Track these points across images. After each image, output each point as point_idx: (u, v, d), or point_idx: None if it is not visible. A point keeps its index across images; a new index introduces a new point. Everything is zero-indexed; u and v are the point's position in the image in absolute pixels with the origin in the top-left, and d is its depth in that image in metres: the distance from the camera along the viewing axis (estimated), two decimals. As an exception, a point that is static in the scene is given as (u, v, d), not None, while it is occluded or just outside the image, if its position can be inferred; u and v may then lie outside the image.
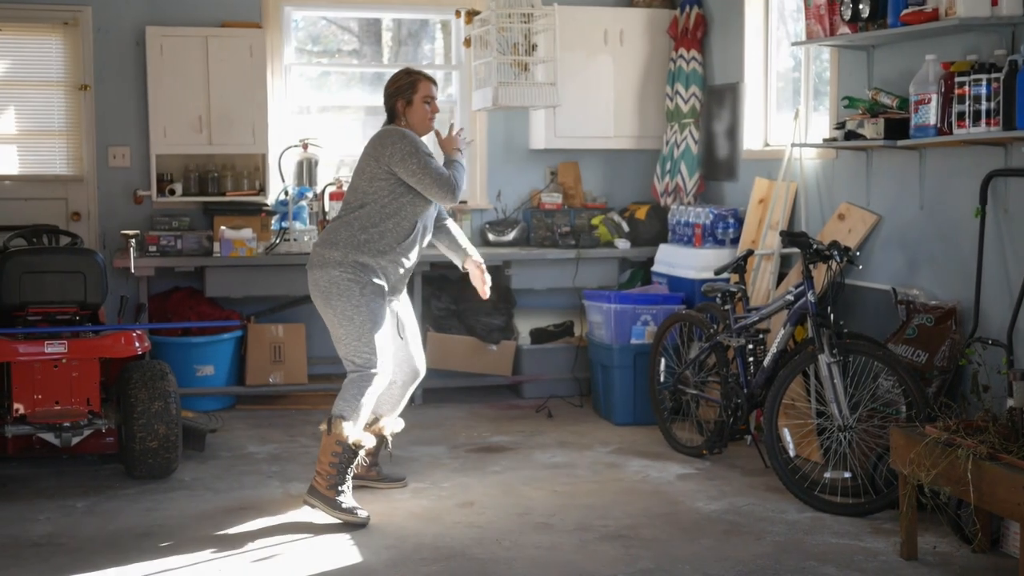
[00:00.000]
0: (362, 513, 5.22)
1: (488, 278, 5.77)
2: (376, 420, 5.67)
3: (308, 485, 5.39)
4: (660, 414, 6.73)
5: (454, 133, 5.64)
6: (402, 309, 5.65)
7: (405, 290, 5.67)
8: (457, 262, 5.86)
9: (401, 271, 5.46)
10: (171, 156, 7.73)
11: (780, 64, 7.52)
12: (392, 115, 5.55)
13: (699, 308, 6.64)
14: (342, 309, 5.29)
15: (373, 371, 5.28)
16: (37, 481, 5.85)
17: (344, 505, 5.21)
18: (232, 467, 6.14)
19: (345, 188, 7.56)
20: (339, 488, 5.24)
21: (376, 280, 5.33)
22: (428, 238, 5.62)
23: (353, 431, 5.25)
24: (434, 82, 5.59)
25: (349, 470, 5.28)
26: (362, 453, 5.34)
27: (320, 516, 5.26)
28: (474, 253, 5.82)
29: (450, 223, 5.83)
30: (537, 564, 4.70)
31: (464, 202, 8.21)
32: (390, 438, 5.74)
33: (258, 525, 5.20)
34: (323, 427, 5.31)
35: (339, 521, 5.19)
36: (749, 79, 7.51)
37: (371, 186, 5.37)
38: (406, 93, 5.50)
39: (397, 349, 5.60)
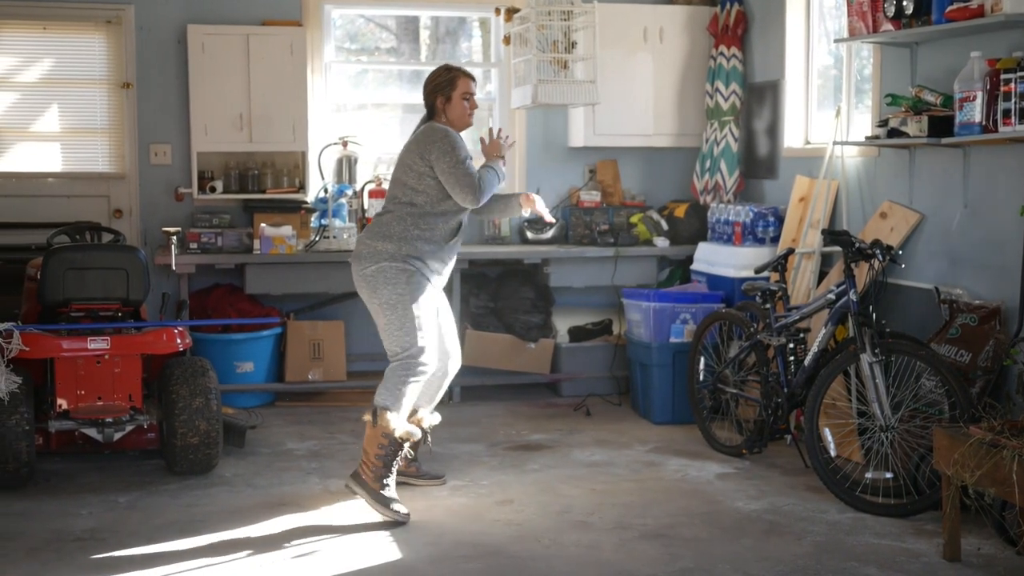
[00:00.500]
0: (403, 510, 5.23)
1: (543, 204, 5.69)
2: (414, 413, 5.68)
3: (353, 470, 5.43)
4: (699, 413, 6.70)
5: (496, 136, 5.65)
6: (441, 304, 5.67)
7: (442, 288, 5.70)
8: (512, 209, 5.77)
9: (445, 269, 5.54)
10: (212, 154, 7.77)
11: (818, 61, 7.47)
12: (431, 111, 5.58)
13: (739, 307, 6.60)
14: (387, 297, 5.32)
15: (416, 359, 5.30)
16: (80, 476, 5.90)
17: (388, 500, 5.23)
18: (272, 463, 6.16)
19: (385, 186, 7.60)
20: (384, 482, 5.27)
21: (425, 272, 5.38)
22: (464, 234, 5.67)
23: (399, 423, 5.28)
24: (473, 79, 5.62)
25: (395, 462, 5.31)
26: (407, 446, 5.36)
27: (359, 509, 5.29)
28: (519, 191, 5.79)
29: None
30: (577, 562, 4.70)
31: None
32: (429, 433, 5.76)
33: (298, 521, 5.22)
34: (367, 418, 5.33)
35: (379, 515, 5.20)
36: (790, 76, 7.46)
37: (420, 183, 5.39)
38: (445, 90, 5.53)
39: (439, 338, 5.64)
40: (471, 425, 7.05)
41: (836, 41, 6.73)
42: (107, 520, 5.20)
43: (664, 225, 8.04)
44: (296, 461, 6.22)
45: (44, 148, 7.83)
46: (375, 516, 5.23)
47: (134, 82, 7.77)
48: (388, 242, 5.37)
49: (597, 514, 5.31)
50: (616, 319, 8.05)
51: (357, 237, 6.37)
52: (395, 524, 5.16)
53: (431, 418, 5.76)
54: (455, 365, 5.77)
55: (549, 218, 5.78)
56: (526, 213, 5.74)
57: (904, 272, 6.09)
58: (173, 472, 5.90)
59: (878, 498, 5.35)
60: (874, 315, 5.51)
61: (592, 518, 5.26)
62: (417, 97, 5.83)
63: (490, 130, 5.75)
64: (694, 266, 7.73)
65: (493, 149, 5.62)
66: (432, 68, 5.72)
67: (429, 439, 5.80)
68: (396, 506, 5.23)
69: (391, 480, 5.30)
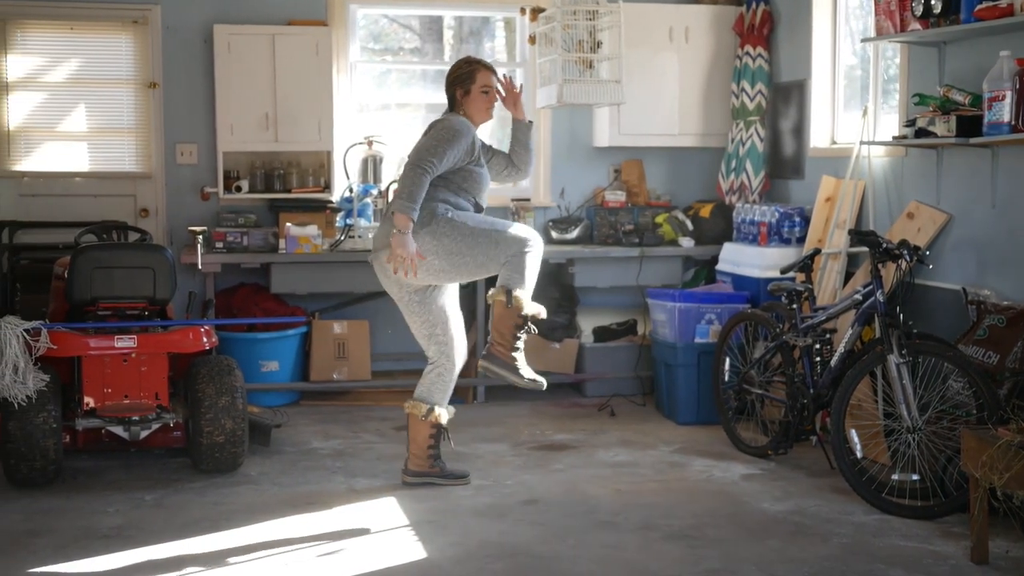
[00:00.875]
0: (541, 378, 5.55)
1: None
2: (431, 409, 5.67)
3: (485, 351, 5.60)
4: (724, 414, 6.68)
5: (511, 86, 5.71)
6: (452, 298, 5.77)
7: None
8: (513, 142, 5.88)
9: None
10: (238, 153, 7.80)
11: (842, 61, 7.44)
12: (451, 103, 5.66)
13: (764, 307, 6.58)
14: (462, 240, 5.40)
15: (527, 243, 5.45)
16: (106, 474, 5.93)
17: (523, 369, 5.52)
18: (297, 462, 6.18)
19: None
20: (518, 355, 5.52)
21: (451, 206, 5.46)
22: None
23: (530, 302, 5.48)
24: (494, 71, 5.67)
25: (523, 337, 5.53)
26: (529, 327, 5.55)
27: (385, 508, 5.29)
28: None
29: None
30: (602, 563, 4.69)
31: (527, 199, 8.21)
32: (448, 431, 5.78)
33: (323, 520, 5.23)
34: (500, 297, 5.47)
35: (518, 383, 5.51)
36: (816, 76, 7.43)
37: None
38: (464, 82, 5.60)
39: (449, 338, 5.69)
40: (496, 425, 7.05)
41: (863, 40, 6.70)
42: (133, 517, 5.22)
43: (689, 225, 8.02)
44: (321, 460, 6.23)
45: (71, 148, 7.87)
46: (402, 517, 5.23)
47: (160, 82, 7.80)
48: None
49: (622, 514, 5.30)
50: (641, 319, 8.03)
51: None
52: (536, 388, 5.55)
53: (448, 413, 5.74)
54: (463, 358, 5.81)
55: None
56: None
57: (931, 273, 6.06)
58: (199, 470, 5.92)
59: (904, 500, 5.32)
60: (901, 316, 5.48)
61: (617, 518, 5.25)
62: (441, 97, 5.83)
63: (505, 78, 5.77)
64: (719, 266, 7.71)
65: (512, 102, 5.71)
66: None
67: (450, 437, 5.83)
68: (531, 374, 5.52)
69: (520, 354, 5.53)
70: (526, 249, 5.47)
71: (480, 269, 5.53)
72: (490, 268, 5.53)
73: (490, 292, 5.58)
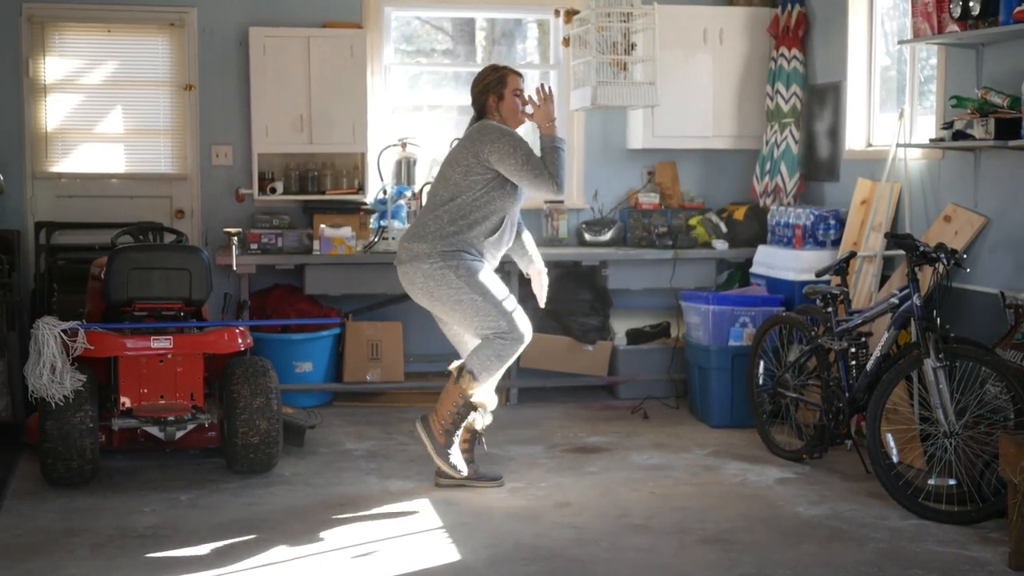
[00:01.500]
0: (461, 466, 5.45)
1: (545, 288, 5.91)
2: (473, 376, 5.56)
3: (423, 415, 5.58)
4: (759, 417, 6.65)
5: (542, 95, 5.59)
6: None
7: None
8: (522, 267, 6.00)
9: (493, 255, 5.59)
10: (272, 155, 7.83)
11: (877, 63, 7.39)
12: (482, 112, 5.64)
13: (799, 310, 6.55)
14: (447, 297, 5.38)
15: (510, 336, 5.37)
16: (142, 473, 5.96)
17: (448, 453, 5.44)
18: (331, 463, 6.20)
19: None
20: (450, 438, 5.45)
21: (469, 255, 5.42)
22: (513, 237, 5.70)
23: (479, 392, 5.41)
24: (520, 75, 5.70)
25: (461, 424, 5.47)
26: (481, 413, 5.53)
27: (419, 510, 5.31)
28: (538, 261, 5.93)
29: (524, 232, 5.91)
30: (636, 566, 4.68)
31: (560, 202, 8.20)
32: (483, 435, 5.79)
33: (357, 521, 5.25)
34: (452, 369, 5.45)
35: (438, 463, 5.44)
36: (852, 78, 7.39)
37: (465, 180, 5.44)
38: (496, 88, 5.60)
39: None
40: (528, 427, 7.05)
41: (900, 43, 6.65)
42: (169, 517, 5.25)
43: (723, 227, 7.99)
44: (355, 461, 6.25)
45: (108, 149, 7.93)
46: (436, 519, 5.24)
47: (196, 84, 7.85)
48: (423, 242, 5.42)
49: (656, 518, 5.29)
50: (674, 322, 8.01)
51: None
52: (451, 478, 5.41)
53: (485, 418, 5.74)
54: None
55: (541, 301, 5.97)
56: (526, 274, 5.98)
57: (968, 276, 6.01)
58: (233, 471, 5.94)
59: (941, 505, 5.28)
60: (938, 320, 5.44)
61: (651, 522, 5.23)
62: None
63: (538, 88, 5.64)
64: (753, 269, 7.68)
65: (543, 115, 5.57)
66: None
67: (484, 441, 5.84)
68: (455, 460, 5.43)
69: (455, 439, 5.46)
70: (502, 335, 5.37)
71: (458, 327, 5.55)
72: (466, 332, 5.52)
73: (452, 363, 5.56)
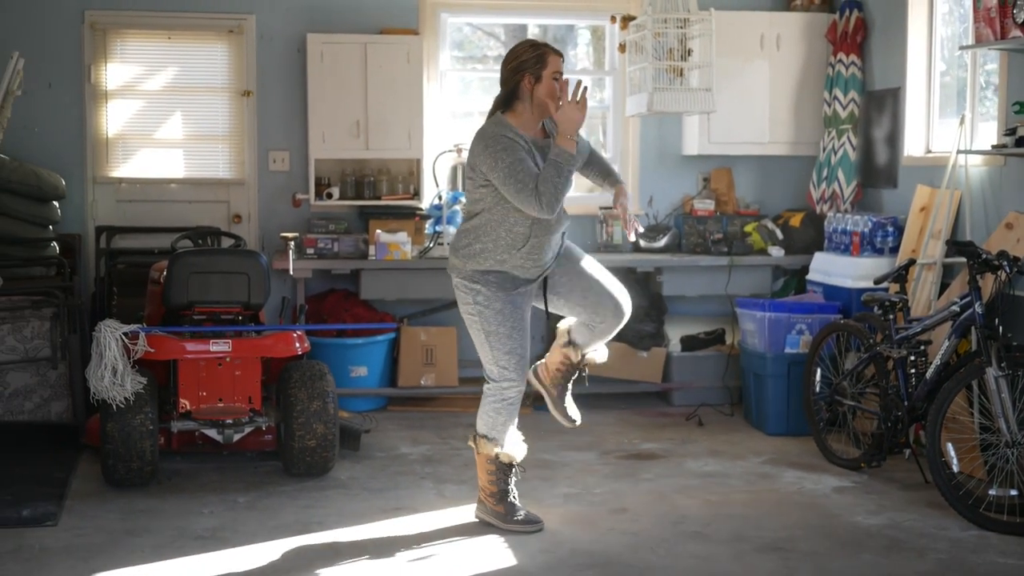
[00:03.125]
0: (534, 519, 5.19)
1: (631, 213, 5.22)
2: (570, 342, 5.35)
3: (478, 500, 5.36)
4: (815, 425, 6.60)
5: (570, 96, 4.87)
6: (571, 263, 5.22)
7: (566, 245, 5.23)
8: (606, 188, 5.44)
9: (536, 261, 5.03)
10: (329, 160, 7.88)
11: (937, 68, 7.32)
12: (513, 94, 5.00)
13: (857, 318, 6.49)
14: (464, 317, 5.17)
15: (498, 385, 5.12)
16: (200, 475, 6.02)
17: (516, 516, 5.18)
18: (386, 467, 6.22)
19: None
20: (507, 500, 5.21)
21: (491, 287, 5.02)
22: (563, 226, 5.13)
23: (498, 449, 5.19)
24: (562, 56, 5.04)
25: (510, 479, 5.23)
26: (517, 463, 5.26)
27: (474, 515, 5.33)
28: (616, 177, 5.38)
29: (594, 155, 5.36)
30: (693, 574, 4.66)
31: (614, 208, 8.16)
32: (585, 368, 5.45)
33: (413, 525, 5.27)
34: (471, 443, 5.30)
35: (514, 534, 5.13)
36: (911, 83, 7.32)
37: (476, 193, 5.02)
38: (533, 67, 4.95)
39: (588, 293, 5.18)
40: (583, 433, 7.01)
41: (961, 48, 6.59)
42: (227, 519, 5.30)
43: (779, 234, 7.94)
44: (410, 465, 6.27)
45: (167, 154, 8.02)
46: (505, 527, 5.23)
47: (254, 90, 7.92)
48: (456, 256, 5.12)
49: (712, 525, 5.26)
50: (729, 328, 7.97)
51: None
52: (531, 533, 5.12)
53: (596, 355, 5.44)
54: (623, 309, 5.24)
55: (630, 230, 5.23)
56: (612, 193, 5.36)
57: (1031, 284, 5.94)
58: (290, 474, 5.98)
59: (1003, 516, 5.22)
60: (1000, 328, 5.38)
61: (707, 529, 5.21)
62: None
63: (575, 82, 4.92)
64: (810, 276, 7.62)
65: (570, 120, 4.84)
66: None
67: (586, 373, 5.47)
68: (520, 516, 5.17)
69: (513, 495, 5.22)
70: (492, 382, 5.12)
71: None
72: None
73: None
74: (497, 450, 5.18)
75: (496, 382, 5.13)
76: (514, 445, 5.24)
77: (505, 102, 5.03)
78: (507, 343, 5.06)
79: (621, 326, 5.30)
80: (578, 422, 5.50)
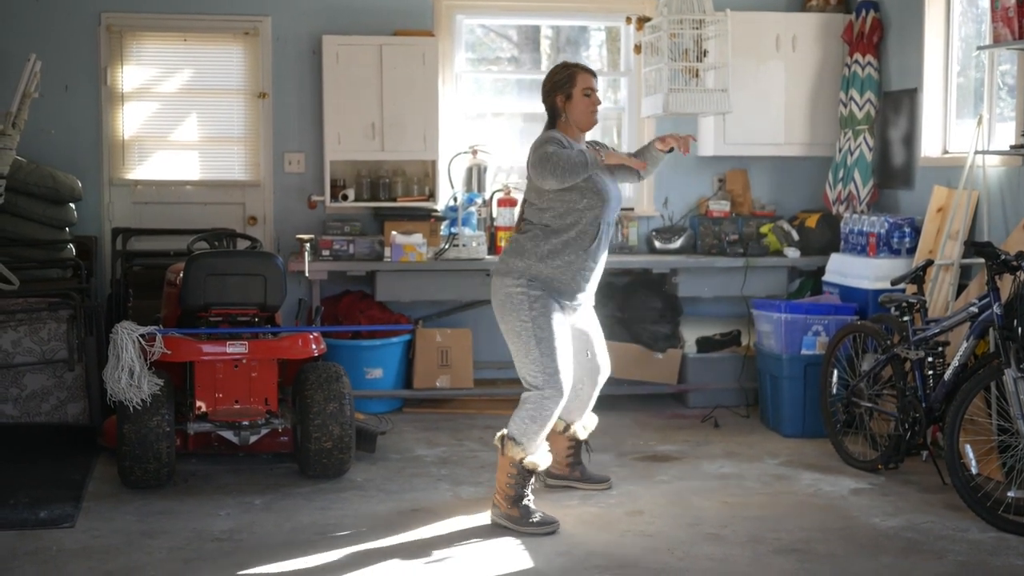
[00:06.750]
0: (549, 519, 5.21)
1: (676, 135, 5.45)
2: (568, 426, 5.74)
3: (491, 500, 5.40)
4: (832, 426, 6.58)
5: (677, 144, 5.38)
6: (589, 318, 5.65)
7: (591, 300, 5.59)
8: (655, 157, 5.58)
9: (589, 276, 5.38)
10: (344, 162, 7.89)
11: (954, 69, 7.30)
12: (553, 113, 5.42)
13: (874, 319, 6.47)
14: (512, 324, 5.26)
15: (544, 394, 5.20)
16: (216, 477, 6.02)
17: (529, 519, 5.19)
18: (402, 469, 6.22)
19: (513, 195, 7.68)
20: (522, 504, 5.22)
21: (551, 295, 5.25)
22: (599, 262, 5.42)
23: (525, 455, 5.23)
24: (593, 73, 5.42)
25: (527, 486, 5.26)
26: (542, 469, 5.34)
27: (491, 518, 5.32)
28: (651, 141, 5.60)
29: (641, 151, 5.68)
30: (710, 576, 4.66)
31: (630, 209, 8.18)
32: (589, 440, 5.85)
33: (429, 527, 5.26)
34: (497, 443, 5.34)
35: (529, 535, 5.14)
36: (928, 84, 7.29)
37: (541, 199, 5.30)
38: (564, 87, 5.35)
39: (584, 360, 5.59)
40: (599, 434, 6.95)
41: (979, 48, 6.56)
42: (244, 521, 5.30)
43: (795, 235, 7.92)
44: (426, 467, 6.26)
45: (183, 156, 8.03)
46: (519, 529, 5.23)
47: (270, 92, 7.93)
48: (521, 259, 5.27)
49: (729, 527, 5.25)
50: (744, 330, 7.95)
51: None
52: (545, 535, 5.13)
53: (587, 422, 5.79)
54: (604, 376, 5.79)
55: (686, 147, 5.41)
56: (665, 153, 5.51)
57: (1049, 285, 5.90)
58: (306, 476, 5.98)
59: (1022, 518, 5.20)
60: (1019, 329, 5.35)
61: (724, 531, 5.20)
62: (537, 106, 5.73)
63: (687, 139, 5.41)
64: (826, 277, 7.60)
65: (645, 160, 5.46)
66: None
67: (589, 447, 5.91)
68: (536, 518, 5.19)
69: (529, 499, 5.25)
70: (536, 388, 5.21)
71: (512, 355, 5.38)
72: (516, 366, 5.34)
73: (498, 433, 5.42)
74: (523, 455, 5.23)
75: (539, 389, 5.21)
76: (540, 453, 5.31)
77: (550, 122, 5.45)
78: (558, 351, 5.23)
79: (595, 397, 5.81)
80: (610, 479, 5.91)
